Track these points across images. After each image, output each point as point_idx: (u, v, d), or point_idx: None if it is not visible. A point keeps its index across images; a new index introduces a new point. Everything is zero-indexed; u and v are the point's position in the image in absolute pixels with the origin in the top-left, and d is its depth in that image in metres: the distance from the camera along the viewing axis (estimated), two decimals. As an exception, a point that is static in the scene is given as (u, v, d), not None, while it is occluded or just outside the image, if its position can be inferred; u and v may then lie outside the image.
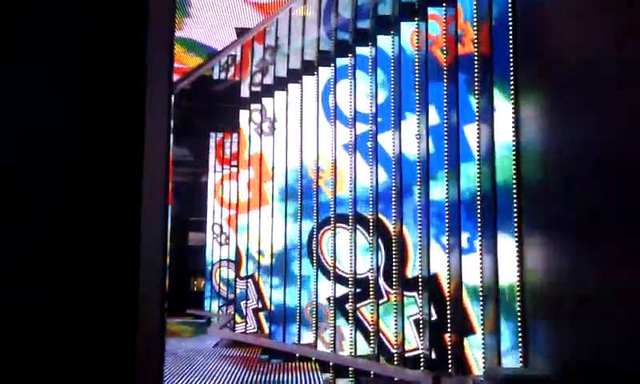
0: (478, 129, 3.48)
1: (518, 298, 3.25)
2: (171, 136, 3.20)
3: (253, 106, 6.64)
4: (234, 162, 7.77)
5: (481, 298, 3.44)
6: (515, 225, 3.27)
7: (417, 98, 3.92)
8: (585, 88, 2.67)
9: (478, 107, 3.48)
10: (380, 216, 4.20)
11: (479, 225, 3.45)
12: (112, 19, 2.21)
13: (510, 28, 3.29)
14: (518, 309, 3.24)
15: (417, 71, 3.94)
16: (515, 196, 3.28)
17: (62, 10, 2.18)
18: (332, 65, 4.89)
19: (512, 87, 3.30)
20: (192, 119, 9.44)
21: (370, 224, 4.37)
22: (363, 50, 4.55)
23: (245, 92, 6.94)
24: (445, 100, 3.65)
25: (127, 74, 2.18)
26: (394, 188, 4.13)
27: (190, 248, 9.85)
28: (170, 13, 3.22)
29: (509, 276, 3.27)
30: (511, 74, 3.29)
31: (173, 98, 3.41)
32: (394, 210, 4.12)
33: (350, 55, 4.68)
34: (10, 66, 2.07)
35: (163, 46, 2.80)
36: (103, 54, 2.18)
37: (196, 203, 9.68)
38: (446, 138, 3.62)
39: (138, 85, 2.18)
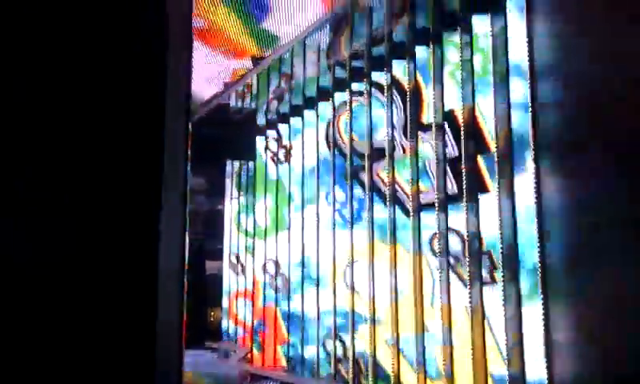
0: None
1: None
2: (189, 164, 3.18)
3: (269, 133, 6.65)
4: (251, 190, 7.76)
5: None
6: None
7: (434, 124, 3.88)
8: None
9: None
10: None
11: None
12: (132, 48, 2.20)
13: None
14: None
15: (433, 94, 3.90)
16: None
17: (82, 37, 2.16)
18: (346, 90, 4.89)
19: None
20: (208, 147, 9.49)
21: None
22: (378, 76, 4.53)
23: (261, 120, 6.96)
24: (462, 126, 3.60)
25: (146, 104, 2.17)
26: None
27: (207, 277, 9.81)
28: (188, 41, 3.24)
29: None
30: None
31: (190, 127, 3.40)
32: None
33: (365, 81, 4.67)
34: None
35: (182, 74, 2.80)
36: (122, 83, 2.17)
37: (213, 232, 9.66)
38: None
39: (157, 113, 2.17)
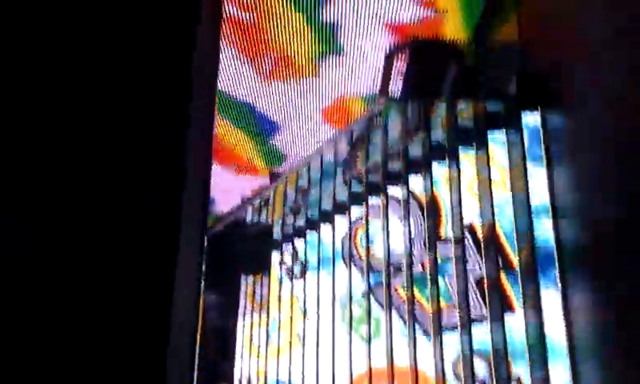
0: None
1: None
2: (202, 281, 3.08)
3: (284, 248, 6.59)
4: (265, 306, 7.57)
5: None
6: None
7: (453, 238, 3.79)
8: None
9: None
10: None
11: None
12: (152, 161, 2.19)
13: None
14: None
15: (451, 210, 3.84)
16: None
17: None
18: (363, 204, 4.87)
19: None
20: (222, 262, 9.44)
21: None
22: (394, 191, 4.53)
23: (277, 234, 6.93)
24: (482, 240, 3.50)
25: (162, 218, 2.13)
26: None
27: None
28: (207, 168, 3.28)
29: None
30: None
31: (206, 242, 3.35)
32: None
33: (381, 195, 4.66)
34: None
35: (198, 195, 2.79)
36: (139, 192, 2.14)
37: (225, 349, 9.35)
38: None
39: (172, 226, 2.13)
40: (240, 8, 4.32)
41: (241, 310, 8.63)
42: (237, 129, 5.68)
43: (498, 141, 3.47)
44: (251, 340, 8.03)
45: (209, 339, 9.44)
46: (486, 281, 3.38)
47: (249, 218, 8.15)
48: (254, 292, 8.44)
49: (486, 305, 3.31)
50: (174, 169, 2.15)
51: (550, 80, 3.23)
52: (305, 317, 5.63)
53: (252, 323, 8.17)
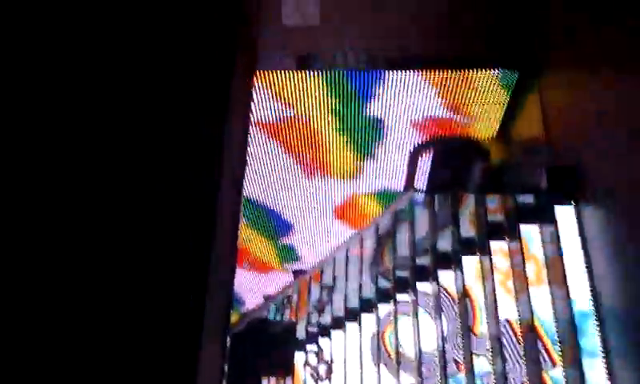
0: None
1: None
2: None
3: (309, 348, 6.39)
4: (288, 409, 7.24)
5: None
6: None
7: (488, 335, 3.65)
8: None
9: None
10: None
11: None
12: (179, 268, 2.20)
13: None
14: None
15: (485, 306, 3.73)
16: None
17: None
18: (391, 301, 4.76)
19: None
20: (244, 363, 9.15)
21: None
22: (424, 287, 4.43)
23: (301, 333, 6.75)
24: (521, 335, 3.37)
25: (185, 318, 2.11)
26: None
27: None
28: (232, 261, 3.26)
29: None
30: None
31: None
32: None
33: (409, 291, 4.56)
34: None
35: (223, 295, 2.76)
36: (160, 300, 2.14)
37: None
38: None
39: (195, 328, 2.10)
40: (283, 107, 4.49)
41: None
42: (251, 229, 5.74)
43: (531, 234, 3.42)
44: (272, 447, 7.62)
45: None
46: (527, 381, 3.22)
47: (272, 317, 7.99)
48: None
49: (529, 407, 3.13)
50: (198, 272, 2.16)
51: (579, 172, 3.24)
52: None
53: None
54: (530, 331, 3.26)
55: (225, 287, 2.88)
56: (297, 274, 6.82)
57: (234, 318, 6.78)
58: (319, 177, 5.23)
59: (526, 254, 3.41)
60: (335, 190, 5.44)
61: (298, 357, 6.69)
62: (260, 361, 8.65)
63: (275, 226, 5.90)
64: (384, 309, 4.94)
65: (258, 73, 4.12)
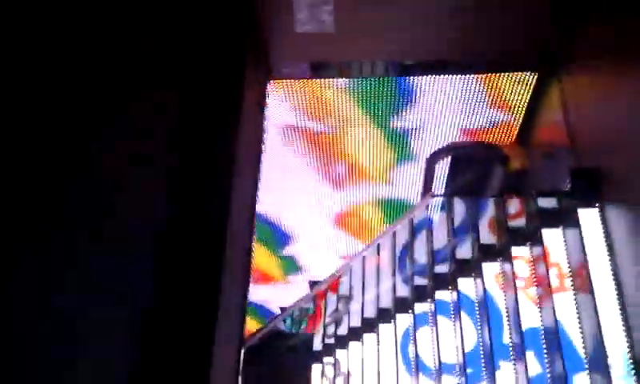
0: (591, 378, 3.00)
1: None
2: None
3: (325, 360, 6.29)
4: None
5: None
6: None
7: (510, 344, 3.54)
8: None
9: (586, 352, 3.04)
10: None
11: None
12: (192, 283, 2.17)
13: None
14: None
15: (507, 314, 3.62)
16: None
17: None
18: (410, 311, 4.66)
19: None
20: (260, 376, 9.09)
21: None
22: (443, 295, 4.33)
23: (317, 344, 6.66)
24: (544, 345, 3.25)
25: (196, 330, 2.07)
26: None
27: None
28: (245, 278, 3.20)
29: None
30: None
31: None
32: None
33: (429, 300, 4.46)
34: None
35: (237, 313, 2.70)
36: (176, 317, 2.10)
37: None
38: (552, 391, 3.14)
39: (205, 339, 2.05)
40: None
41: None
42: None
43: (554, 239, 3.32)
44: None
45: None
46: (552, 389, 3.10)
47: (287, 328, 7.90)
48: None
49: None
50: (210, 286, 2.11)
51: (603, 175, 3.14)
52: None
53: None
54: (554, 339, 3.14)
55: (238, 299, 2.83)
56: (312, 284, 6.75)
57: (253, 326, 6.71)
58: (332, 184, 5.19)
59: (548, 260, 3.31)
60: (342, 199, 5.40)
61: (315, 369, 6.60)
62: (276, 374, 8.58)
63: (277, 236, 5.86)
64: (402, 319, 4.84)
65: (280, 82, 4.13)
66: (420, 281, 4.66)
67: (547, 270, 3.28)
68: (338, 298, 6.39)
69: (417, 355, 4.45)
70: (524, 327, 3.40)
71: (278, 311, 7.13)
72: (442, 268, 4.41)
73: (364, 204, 5.67)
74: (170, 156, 2.34)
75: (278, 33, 3.65)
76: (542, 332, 3.30)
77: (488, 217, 4.00)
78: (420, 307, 4.58)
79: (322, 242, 6.01)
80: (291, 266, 6.29)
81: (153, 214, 2.21)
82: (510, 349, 3.50)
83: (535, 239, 3.44)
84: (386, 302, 5.18)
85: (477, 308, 3.92)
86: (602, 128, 3.25)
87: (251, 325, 7.02)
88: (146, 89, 2.48)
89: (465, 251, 4.15)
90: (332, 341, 6.34)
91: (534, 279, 3.39)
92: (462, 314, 4.01)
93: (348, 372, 5.86)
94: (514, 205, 3.77)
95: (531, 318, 3.38)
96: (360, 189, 5.43)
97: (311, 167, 5.05)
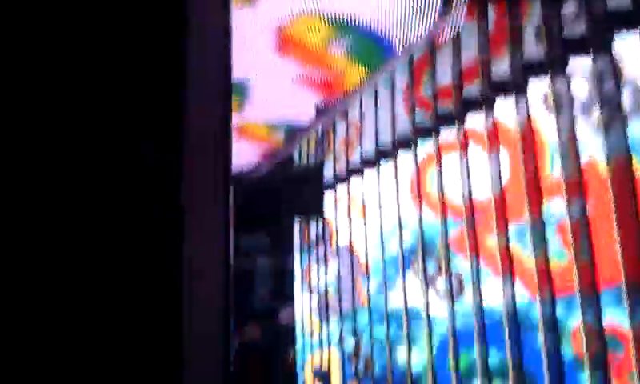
0: None
1: None
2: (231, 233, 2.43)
3: (339, 188, 5.95)
4: (322, 248, 7.05)
5: None
6: None
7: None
8: None
9: None
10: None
11: None
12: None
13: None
14: None
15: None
16: None
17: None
18: (432, 137, 4.11)
19: None
20: (273, 204, 9.00)
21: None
22: (474, 120, 3.73)
23: (330, 173, 6.30)
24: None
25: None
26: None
27: (279, 338, 9.01)
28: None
29: None
30: None
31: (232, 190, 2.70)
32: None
33: (455, 125, 3.87)
34: None
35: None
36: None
37: (282, 291, 9.04)
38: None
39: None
40: None
41: (296, 251, 8.16)
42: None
43: (626, 47, 2.60)
44: (310, 280, 7.55)
45: (263, 282, 9.12)
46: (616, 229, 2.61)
47: (296, 158, 7.52)
48: (309, 232, 7.90)
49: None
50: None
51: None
52: (367, 273, 5.01)
53: (309, 264, 7.67)
54: (624, 172, 2.58)
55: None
56: (320, 111, 6.14)
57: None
58: None
59: (619, 73, 2.62)
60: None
61: (328, 197, 6.31)
62: (288, 202, 8.36)
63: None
64: (423, 146, 4.31)
65: None
66: (444, 104, 4.02)
67: (617, 86, 2.62)
68: (347, 124, 5.84)
69: (442, 188, 3.98)
70: (582, 157, 2.83)
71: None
72: (471, 89, 3.73)
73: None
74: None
75: None
76: (608, 162, 2.74)
77: (534, 24, 3.23)
78: (445, 133, 4.01)
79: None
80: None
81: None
82: (563, 184, 2.97)
83: (600, 48, 2.72)
84: (403, 128, 4.62)
85: (517, 135, 3.32)
86: None
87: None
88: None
89: (502, 68, 3.45)
90: (345, 170, 5.94)
91: (599, 98, 2.74)
92: (498, 142, 3.44)
93: (363, 200, 5.53)
94: (570, 6, 2.98)
95: (592, 147, 2.79)
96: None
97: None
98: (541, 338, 3.03)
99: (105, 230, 1.50)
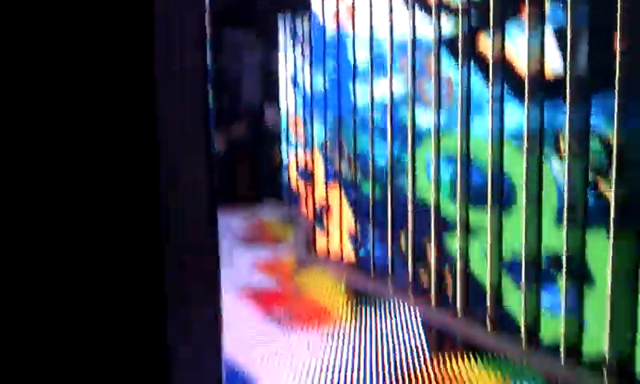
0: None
1: None
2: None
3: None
4: (307, 48, 6.76)
5: None
6: None
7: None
8: None
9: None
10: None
11: None
12: None
13: None
14: None
15: None
16: None
17: None
18: None
19: None
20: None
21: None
22: None
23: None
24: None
25: None
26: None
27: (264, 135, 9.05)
28: None
29: None
30: None
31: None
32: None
33: None
34: None
35: None
36: None
37: (267, 91, 8.91)
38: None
39: None
40: None
41: (281, 48, 7.84)
42: None
43: None
44: (295, 78, 7.38)
45: (249, 82, 8.94)
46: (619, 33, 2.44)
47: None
48: (294, 28, 7.51)
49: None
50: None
51: None
52: (354, 72, 4.83)
53: (295, 66, 7.44)
54: None
55: None
56: None
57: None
58: None
59: None
60: None
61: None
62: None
63: None
64: None
65: None
66: None
67: None
68: None
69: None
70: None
71: None
72: None
73: None
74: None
75: None
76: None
77: None
78: None
79: None
80: None
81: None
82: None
83: None
84: None
85: None
86: None
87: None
88: None
89: None
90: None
91: None
92: None
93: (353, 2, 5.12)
94: None
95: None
96: None
97: None
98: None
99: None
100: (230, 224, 6.64)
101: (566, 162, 2.79)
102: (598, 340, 2.73)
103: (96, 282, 1.32)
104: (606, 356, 2.67)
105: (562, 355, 2.87)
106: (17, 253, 1.33)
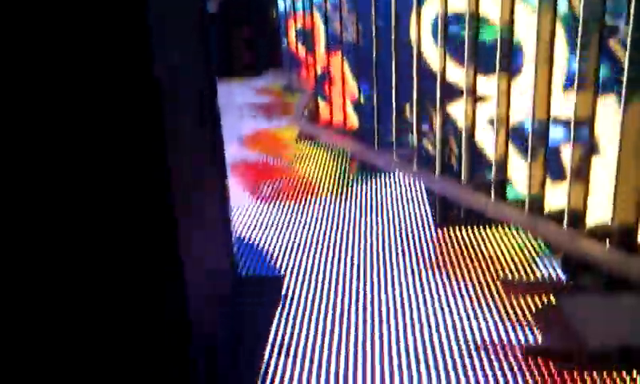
0: None
1: None
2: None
3: None
4: None
5: None
6: None
7: None
8: None
9: None
10: None
11: None
12: None
13: None
14: None
15: None
16: None
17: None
18: None
19: None
20: None
21: None
22: None
23: None
24: None
25: None
26: None
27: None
28: None
29: None
30: None
31: None
32: None
33: None
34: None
35: None
36: None
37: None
38: None
39: None
40: None
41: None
42: None
43: None
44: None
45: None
46: None
47: None
48: None
49: None
50: None
51: None
52: None
53: None
54: None
55: None
56: None
57: None
58: None
59: None
60: None
61: None
62: None
63: None
64: None
65: None
66: None
67: None
68: None
69: None
70: None
71: None
72: None
73: None
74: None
75: None
76: None
77: None
78: None
79: None
80: None
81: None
82: None
83: None
84: None
85: None
86: None
87: None
88: None
89: None
90: None
91: None
92: None
93: None
94: None
95: None
96: None
97: None
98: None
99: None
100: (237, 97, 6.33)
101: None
102: (602, 209, 2.72)
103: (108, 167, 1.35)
104: (610, 224, 2.68)
105: (566, 223, 2.89)
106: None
